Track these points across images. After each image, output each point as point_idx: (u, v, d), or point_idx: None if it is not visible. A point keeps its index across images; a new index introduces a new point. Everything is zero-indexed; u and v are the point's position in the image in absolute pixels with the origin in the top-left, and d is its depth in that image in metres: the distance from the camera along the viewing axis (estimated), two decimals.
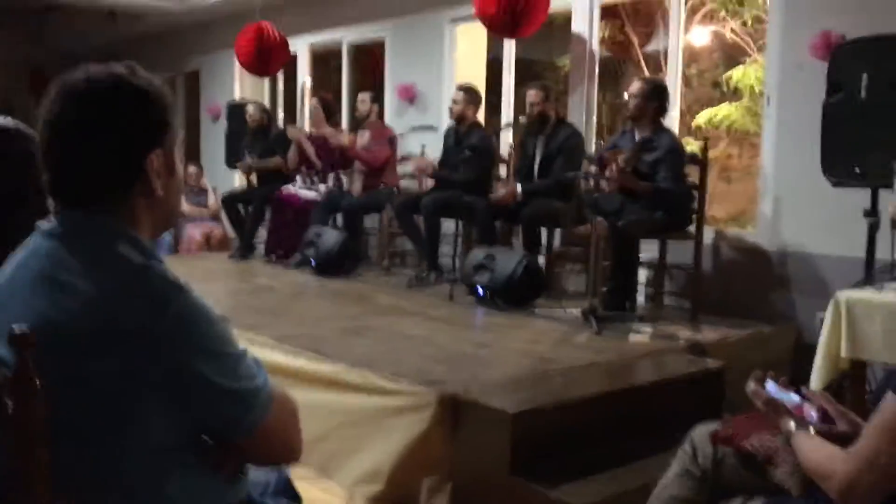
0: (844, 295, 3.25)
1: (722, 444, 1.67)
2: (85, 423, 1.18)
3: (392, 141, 6.01)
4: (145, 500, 1.24)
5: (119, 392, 1.18)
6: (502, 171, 5.82)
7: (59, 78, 1.28)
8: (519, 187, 5.01)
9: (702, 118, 7.32)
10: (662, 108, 4.60)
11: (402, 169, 6.47)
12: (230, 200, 7.16)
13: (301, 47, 8.22)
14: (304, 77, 8.32)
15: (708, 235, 4.89)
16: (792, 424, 1.54)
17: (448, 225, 5.61)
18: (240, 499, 1.41)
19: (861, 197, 3.84)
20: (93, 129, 1.23)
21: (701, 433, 1.74)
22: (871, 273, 3.68)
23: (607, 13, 7.33)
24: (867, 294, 3.25)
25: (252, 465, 1.43)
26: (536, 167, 5.12)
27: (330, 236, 5.77)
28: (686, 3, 6.22)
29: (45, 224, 1.29)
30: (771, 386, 1.64)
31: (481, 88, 6.75)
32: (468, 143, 5.38)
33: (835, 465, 1.38)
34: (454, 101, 5.59)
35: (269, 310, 4.47)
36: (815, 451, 1.45)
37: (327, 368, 3.27)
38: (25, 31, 12.31)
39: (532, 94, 5.15)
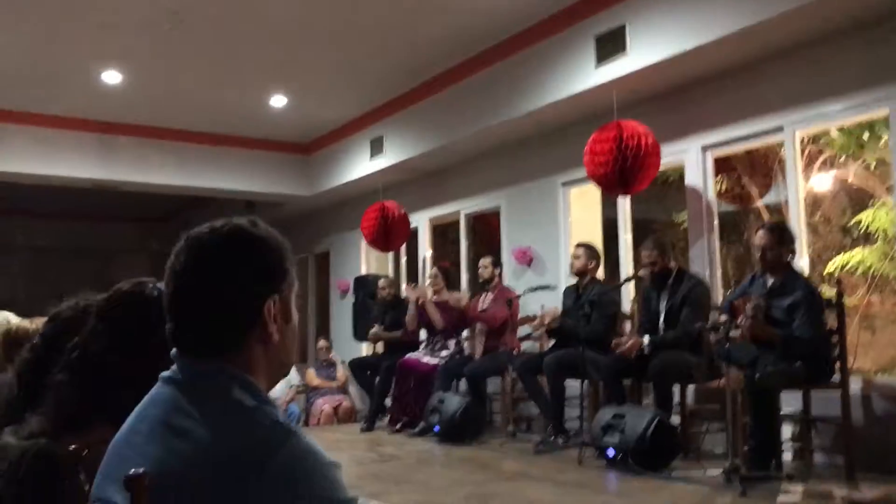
0: None
1: None
2: None
3: (510, 302, 6.03)
4: None
5: None
6: (627, 328, 5.70)
7: (186, 232, 1.36)
8: (646, 339, 4.86)
9: (834, 265, 7.00)
10: (792, 251, 4.45)
11: (522, 330, 6.44)
12: (358, 365, 7.29)
13: (421, 222, 8.57)
14: (425, 250, 8.61)
15: (855, 385, 4.54)
16: None
17: (573, 387, 5.46)
18: None
19: None
20: (214, 277, 1.29)
21: None
22: None
23: (723, 166, 7.32)
24: None
25: None
26: (662, 321, 4.98)
27: (452, 402, 5.73)
28: (803, 153, 6.16)
29: (165, 372, 1.34)
30: None
31: (599, 247, 6.79)
32: (588, 297, 5.32)
33: None
34: (575, 257, 5.63)
35: (392, 478, 4.40)
36: None
37: None
38: (170, 228, 13.47)
39: (646, 254, 5.08)
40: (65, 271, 12.71)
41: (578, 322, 5.29)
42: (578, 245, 5.74)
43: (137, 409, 1.34)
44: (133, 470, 1.12)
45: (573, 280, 5.79)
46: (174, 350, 1.34)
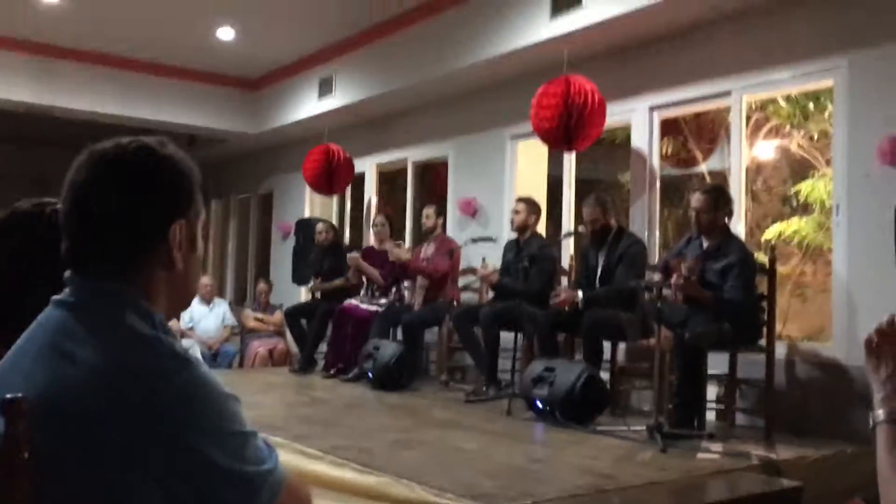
0: None
1: None
2: None
3: (451, 253, 6.00)
4: None
5: (113, 472, 1.09)
6: (564, 283, 5.72)
7: (90, 146, 1.28)
8: (580, 293, 4.89)
9: (771, 233, 7.13)
10: (730, 213, 4.49)
11: (464, 280, 6.45)
12: (293, 314, 7.22)
13: (368, 167, 8.45)
14: (371, 195, 8.51)
15: (781, 350, 4.65)
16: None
17: (508, 339, 5.48)
18: None
19: None
20: (115, 193, 1.21)
21: None
22: None
23: (670, 130, 7.35)
24: None
25: None
26: (598, 277, 5.01)
27: (388, 349, 5.71)
28: (749, 120, 6.20)
29: (57, 295, 1.26)
30: None
31: (543, 203, 6.79)
32: (528, 252, 5.33)
33: None
34: (515, 212, 5.61)
35: (320, 421, 4.38)
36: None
37: (373, 480, 3.13)
38: None
39: (588, 212, 5.08)
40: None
41: (517, 276, 5.28)
42: (519, 200, 5.73)
43: (26, 332, 1.26)
44: (10, 395, 1.05)
45: (514, 234, 5.77)
46: (68, 271, 1.26)
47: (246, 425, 1.19)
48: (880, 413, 1.37)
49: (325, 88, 8.03)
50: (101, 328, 1.18)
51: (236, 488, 1.15)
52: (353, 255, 6.83)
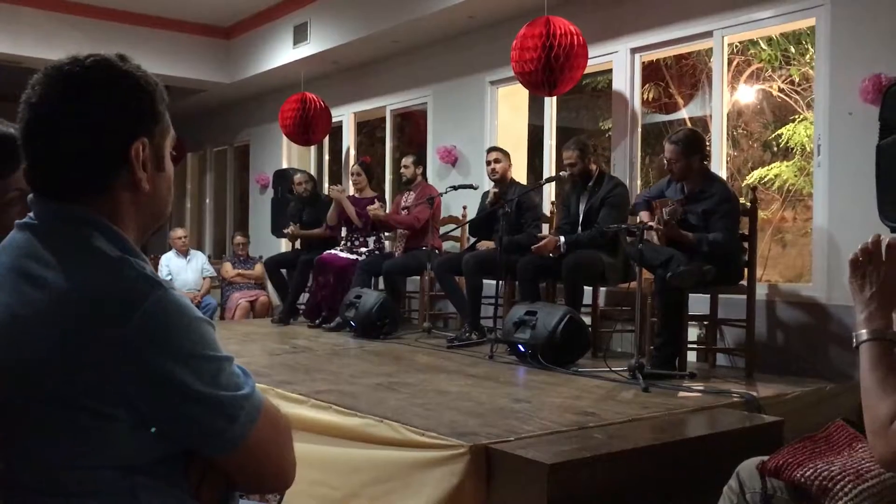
0: None
1: (771, 477, 1.47)
2: (41, 432, 1.07)
3: (432, 201, 5.94)
4: None
5: (81, 397, 1.06)
6: (545, 230, 5.69)
7: (47, 64, 1.22)
8: (562, 239, 4.86)
9: (752, 178, 7.13)
10: (705, 155, 4.45)
11: (445, 228, 6.43)
12: (273, 264, 7.17)
13: (346, 116, 8.33)
14: (349, 145, 8.40)
15: (762, 291, 4.66)
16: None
17: (492, 286, 5.47)
18: None
19: None
20: (73, 111, 1.16)
21: (748, 467, 1.55)
22: None
23: (651, 75, 7.29)
24: None
25: (238, 491, 1.29)
26: (580, 222, 4.98)
27: (369, 297, 5.68)
28: (730, 63, 6.14)
29: (21, 220, 1.21)
30: None
31: (523, 152, 6.74)
32: (509, 198, 5.29)
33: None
34: (496, 161, 5.56)
35: (303, 368, 4.36)
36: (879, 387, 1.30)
37: (356, 422, 3.12)
38: None
39: (567, 155, 5.02)
40: None
41: (498, 221, 5.22)
42: (493, 149, 5.67)
43: None
44: None
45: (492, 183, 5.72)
46: (31, 194, 1.21)
47: (220, 350, 1.16)
48: (863, 332, 1.36)
49: (300, 35, 7.86)
50: (66, 251, 1.14)
51: (212, 413, 1.13)
52: (339, 188, 6.72)
